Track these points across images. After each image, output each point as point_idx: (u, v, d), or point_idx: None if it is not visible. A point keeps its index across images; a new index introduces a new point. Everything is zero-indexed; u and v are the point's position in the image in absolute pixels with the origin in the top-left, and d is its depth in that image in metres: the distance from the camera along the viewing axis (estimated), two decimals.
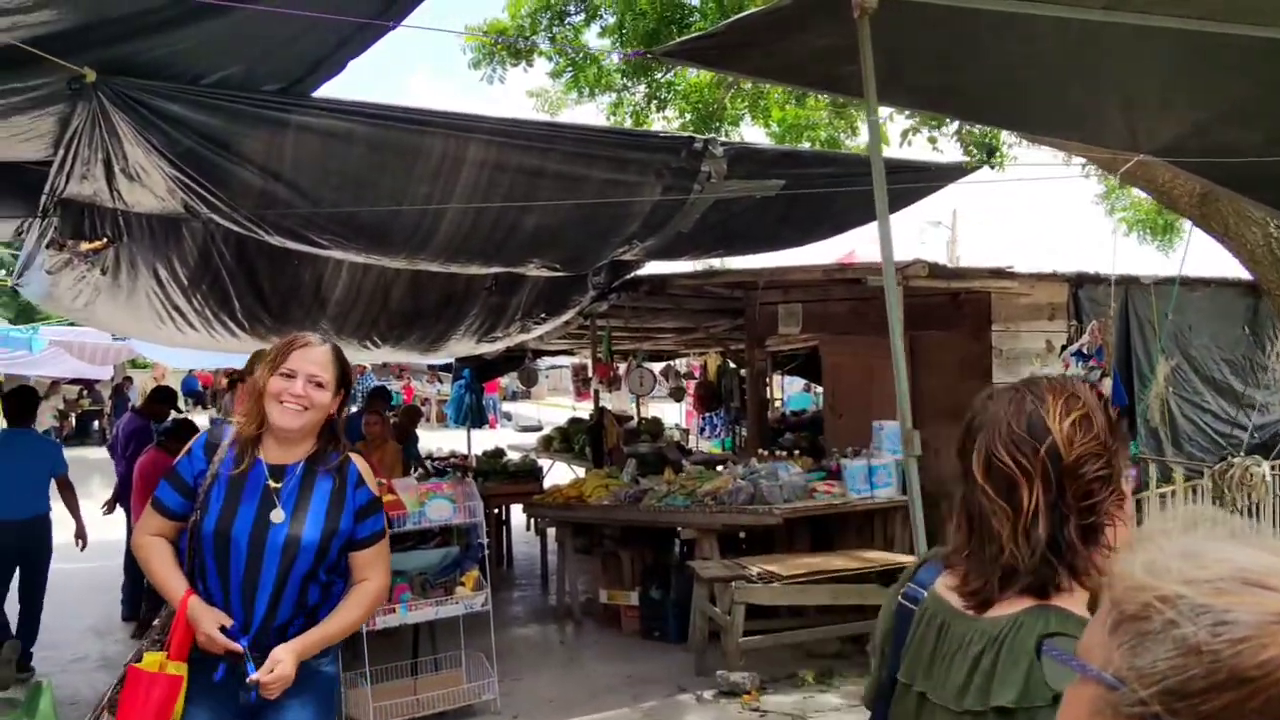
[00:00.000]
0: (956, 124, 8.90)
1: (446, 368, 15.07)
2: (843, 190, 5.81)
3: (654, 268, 8.69)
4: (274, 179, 4.64)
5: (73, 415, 21.86)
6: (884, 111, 6.32)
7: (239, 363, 17.48)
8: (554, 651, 6.66)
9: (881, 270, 3.71)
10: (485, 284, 7.32)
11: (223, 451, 2.82)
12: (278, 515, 2.71)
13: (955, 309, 6.93)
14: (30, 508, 6.72)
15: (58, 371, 18.11)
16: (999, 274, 6.70)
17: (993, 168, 7.45)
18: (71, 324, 18.04)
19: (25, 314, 20.02)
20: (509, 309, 7.83)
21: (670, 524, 6.51)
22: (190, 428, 7.52)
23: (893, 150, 8.65)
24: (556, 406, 24.95)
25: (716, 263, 8.71)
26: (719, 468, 8.63)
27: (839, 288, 7.69)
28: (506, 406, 27.44)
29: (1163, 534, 0.89)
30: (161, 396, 8.87)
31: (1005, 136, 8.65)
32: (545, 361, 14.13)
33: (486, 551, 5.52)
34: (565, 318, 8.49)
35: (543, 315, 8.13)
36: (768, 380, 9.36)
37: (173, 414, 8.99)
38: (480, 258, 5.77)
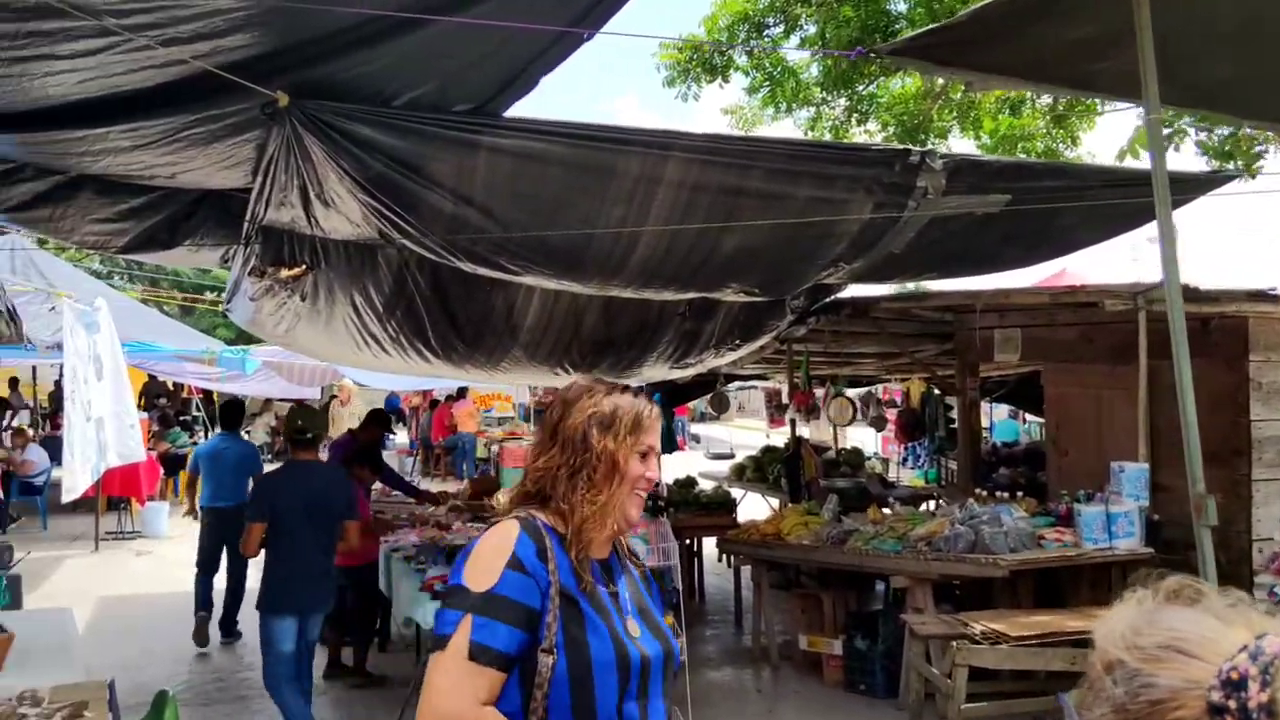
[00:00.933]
0: (1195, 131, 8.04)
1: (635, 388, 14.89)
2: (1072, 205, 5.21)
3: (855, 289, 8.18)
4: (465, 203, 4.46)
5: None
6: (1110, 120, 5.66)
7: (433, 385, 17.87)
8: (750, 701, 6.26)
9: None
10: (679, 310, 7.02)
11: (553, 555, 1.97)
12: (633, 628, 2.00)
13: (1205, 335, 6.15)
14: (237, 497, 8.08)
15: (269, 391, 18.98)
16: (1259, 296, 5.90)
17: (1252, 176, 6.63)
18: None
19: (246, 335, 21.12)
20: (703, 335, 7.50)
21: (878, 570, 6.01)
22: (372, 452, 7.43)
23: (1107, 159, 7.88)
24: (746, 429, 24.55)
25: (915, 285, 8.13)
26: (925, 504, 8.04)
27: (1064, 312, 7.00)
28: (695, 428, 27.25)
29: (1138, 601, 1.00)
30: (378, 419, 8.77)
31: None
32: (735, 383, 13.72)
33: (680, 597, 5.17)
34: (760, 343, 8.09)
35: (737, 341, 7.75)
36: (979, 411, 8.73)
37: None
38: (675, 283, 5.46)
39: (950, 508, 6.38)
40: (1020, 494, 6.74)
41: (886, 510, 7.47)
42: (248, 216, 5.67)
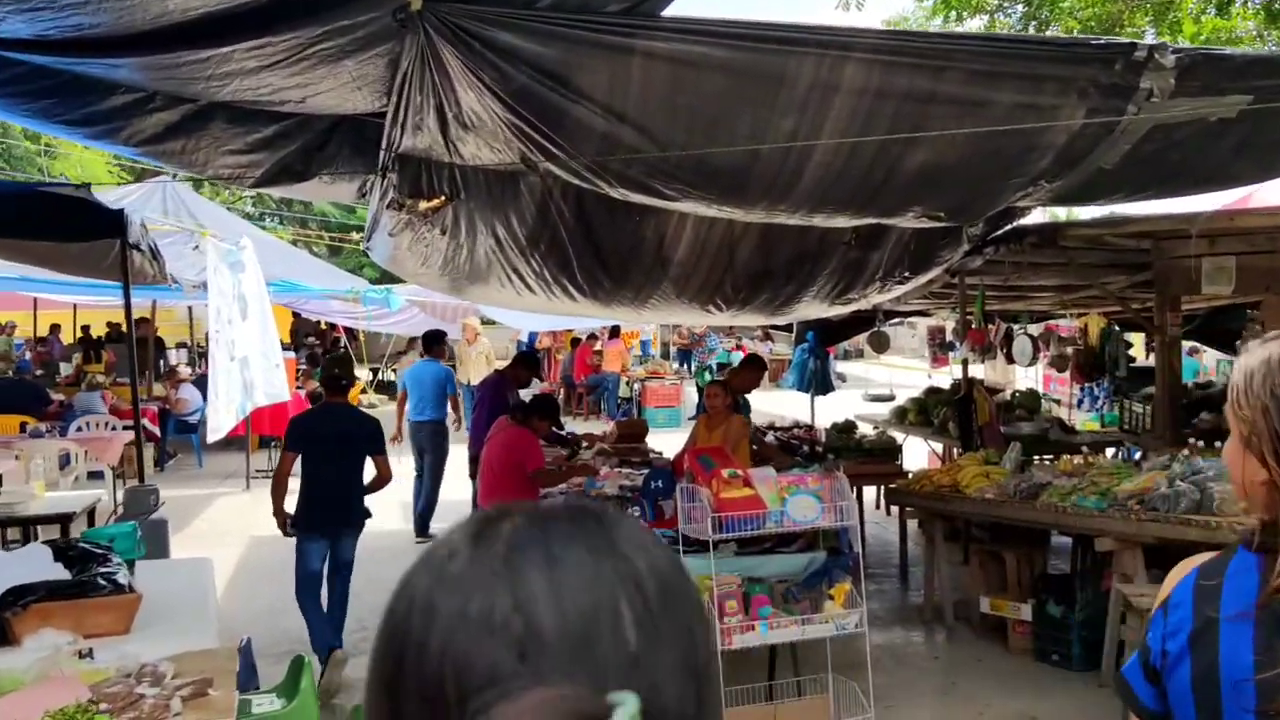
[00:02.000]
0: None
1: (783, 326, 14.30)
2: None
3: (1037, 215, 7.38)
4: (618, 119, 3.95)
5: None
6: None
7: (570, 325, 17.56)
8: (928, 671, 5.71)
9: None
10: (843, 239, 6.40)
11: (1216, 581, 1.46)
12: None
13: None
14: (434, 414, 9.64)
15: (416, 328, 19.04)
16: None
17: None
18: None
19: (390, 275, 21.25)
20: (868, 267, 6.87)
21: (1079, 530, 5.35)
22: (552, 405, 7.10)
23: None
24: (894, 367, 23.61)
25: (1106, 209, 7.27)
26: (1108, 453, 7.28)
27: None
28: (840, 366, 26.41)
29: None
30: (526, 361, 8.99)
31: None
32: (894, 319, 12.92)
33: (859, 562, 4.65)
34: (931, 275, 7.41)
35: (906, 274, 7.09)
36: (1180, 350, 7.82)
37: (535, 382, 8.92)
38: (851, 207, 4.85)
39: (1155, 459, 5.64)
40: None
41: (1075, 459, 6.75)
42: (383, 143, 5.32)
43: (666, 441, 10.42)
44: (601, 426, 14.56)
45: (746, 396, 8.35)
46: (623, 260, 6.30)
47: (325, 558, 6.10)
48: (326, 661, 5.88)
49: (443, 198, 5.65)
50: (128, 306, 6.74)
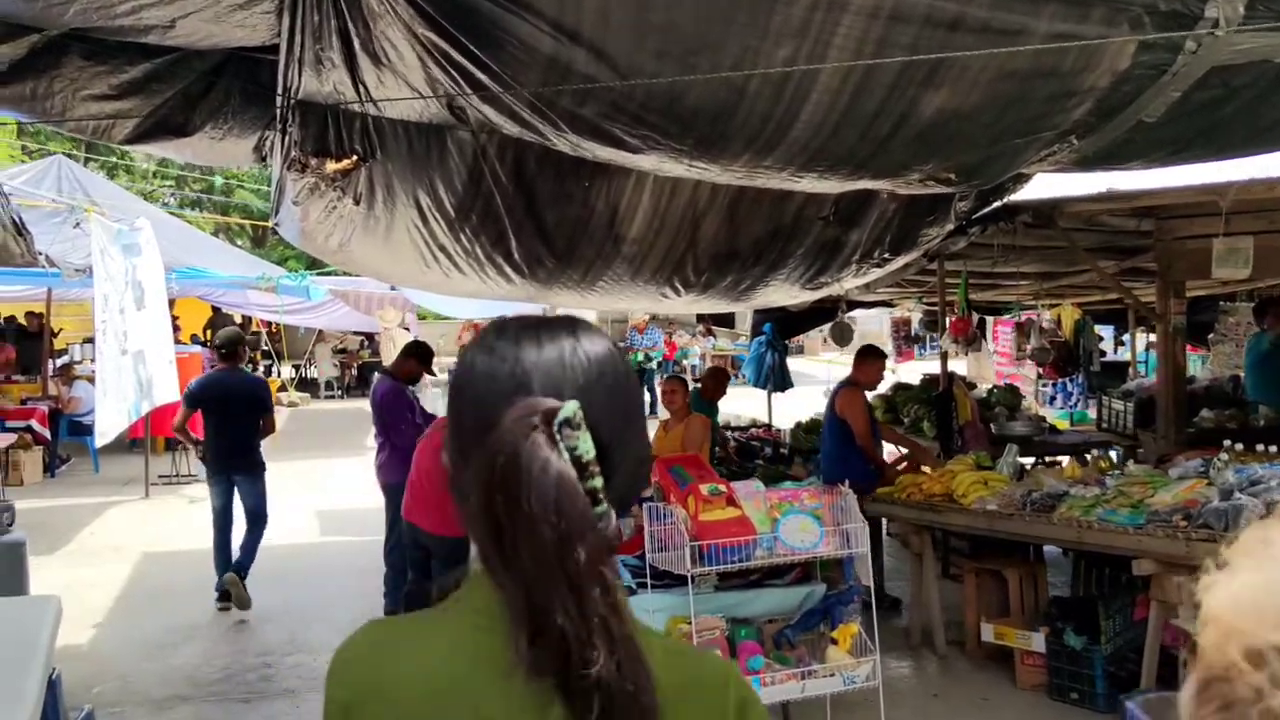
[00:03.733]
0: None
1: (724, 319, 13.49)
2: None
3: (1031, 191, 6.66)
4: (569, 39, 3.11)
5: (355, 366, 21.95)
6: None
7: (515, 310, 16.51)
8: (928, 709, 4.92)
9: None
10: (821, 214, 5.62)
11: None
12: None
13: None
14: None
15: (340, 323, 17.94)
16: None
17: None
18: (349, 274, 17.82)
19: (320, 265, 20.02)
20: (845, 247, 6.10)
21: (1112, 549, 4.61)
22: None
23: None
24: (835, 363, 22.97)
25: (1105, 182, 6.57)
26: (1092, 453, 6.59)
27: None
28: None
29: (1263, 544, 0.70)
30: (416, 352, 7.25)
31: None
32: (858, 310, 12.10)
33: (869, 598, 3.84)
34: (910, 258, 6.68)
35: (885, 255, 6.33)
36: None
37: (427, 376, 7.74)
38: (849, 164, 4.04)
39: (1185, 465, 4.93)
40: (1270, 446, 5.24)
41: (1070, 463, 6.04)
42: (279, 88, 4.40)
43: None
44: None
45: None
46: (569, 235, 5.43)
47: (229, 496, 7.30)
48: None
49: (354, 158, 4.76)
50: None
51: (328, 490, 10.58)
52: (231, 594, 6.80)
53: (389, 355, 13.13)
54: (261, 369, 19.22)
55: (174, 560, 8.13)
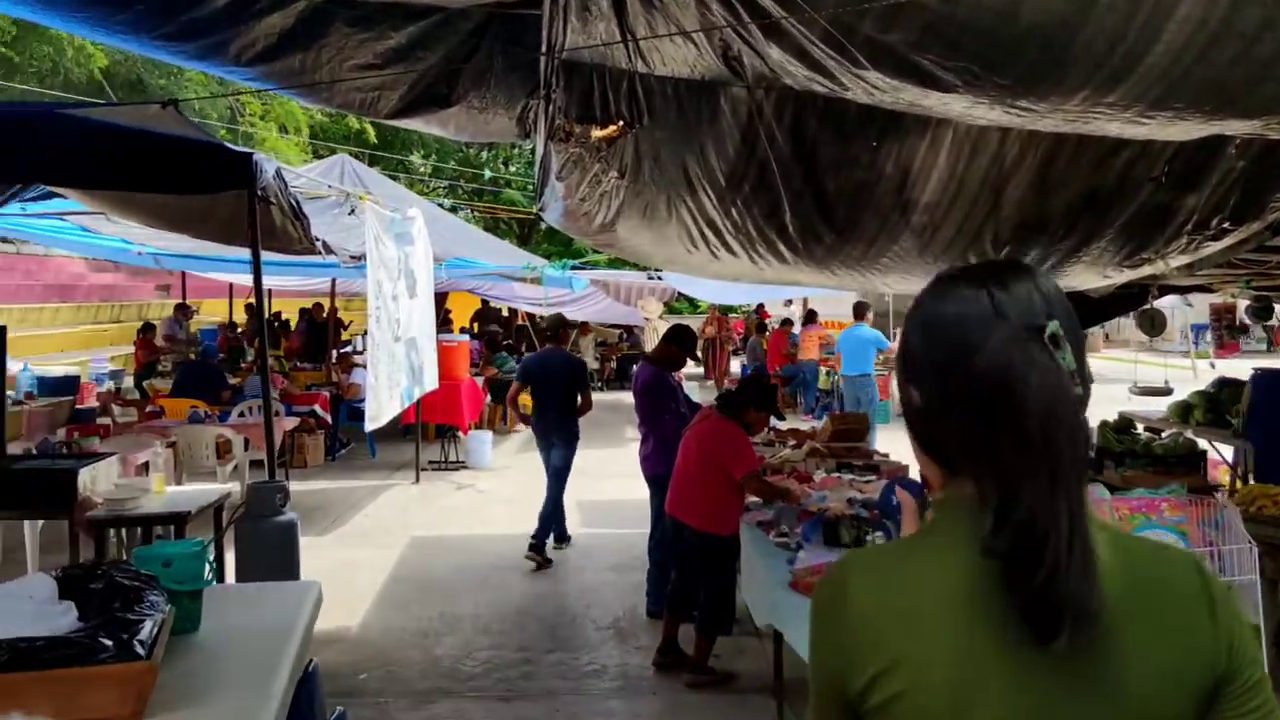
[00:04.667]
0: None
1: None
2: None
3: None
4: None
5: (614, 358, 22.11)
6: None
7: (773, 295, 15.98)
8: None
9: None
10: (1154, 173, 4.78)
11: None
12: None
13: None
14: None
15: (602, 314, 18.04)
16: None
17: None
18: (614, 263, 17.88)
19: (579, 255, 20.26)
20: (1177, 215, 5.20)
21: None
22: (770, 392, 5.75)
23: None
24: (1112, 359, 21.06)
25: None
26: None
27: None
28: None
29: None
30: (678, 338, 6.81)
31: None
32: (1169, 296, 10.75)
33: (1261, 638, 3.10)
34: (1253, 229, 5.65)
35: (1225, 224, 5.37)
36: None
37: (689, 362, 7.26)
38: (1212, 99, 3.28)
39: None
40: None
41: None
42: (543, 46, 4.10)
43: (889, 441, 8.90)
44: (799, 422, 13.10)
45: None
46: (851, 205, 4.87)
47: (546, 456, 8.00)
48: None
49: (620, 124, 4.42)
50: (256, 271, 5.78)
51: (589, 482, 10.46)
52: (537, 562, 7.48)
53: (651, 347, 12.96)
54: None
55: (439, 547, 8.16)
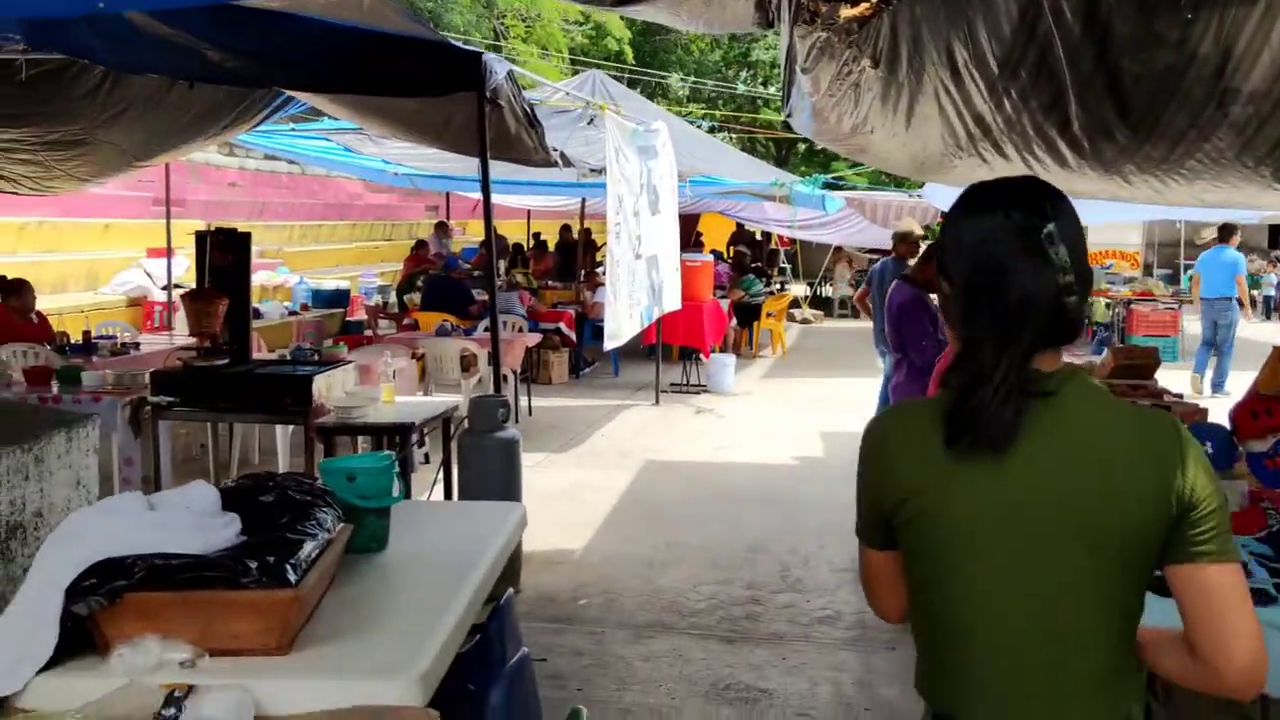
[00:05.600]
0: None
1: None
2: None
3: None
4: None
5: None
6: None
7: None
8: None
9: None
10: None
11: None
12: None
13: None
14: None
15: (855, 238, 17.20)
16: None
17: None
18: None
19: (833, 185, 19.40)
20: None
21: None
22: None
23: None
24: None
25: None
26: None
27: None
28: None
29: None
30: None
31: None
32: None
33: None
34: None
35: None
36: None
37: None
38: None
39: None
40: None
41: None
42: None
43: (1177, 379, 7.86)
44: (1071, 357, 11.96)
45: None
46: (1152, 95, 4.05)
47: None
48: None
49: (872, 1, 3.86)
50: (485, 179, 5.56)
51: (836, 411, 9.92)
52: None
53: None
54: (776, 285, 19.05)
55: (673, 473, 7.90)
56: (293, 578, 2.09)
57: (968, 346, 1.47)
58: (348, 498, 2.74)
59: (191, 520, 2.25)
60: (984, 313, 1.46)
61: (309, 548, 2.24)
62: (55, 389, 5.89)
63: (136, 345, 8.15)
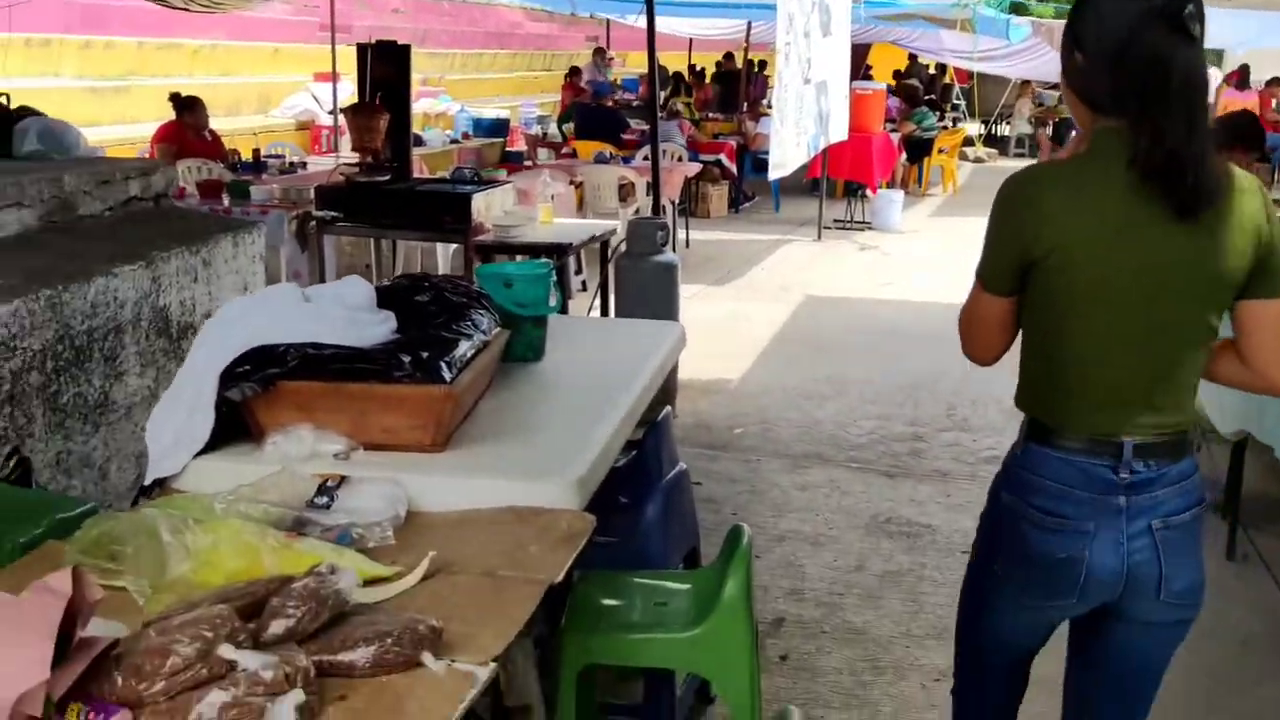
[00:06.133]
0: None
1: None
2: None
3: None
4: None
5: (1050, 121, 19.85)
6: None
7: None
8: None
9: None
10: None
11: None
12: None
13: None
14: None
15: (1034, 69, 16.01)
16: None
17: None
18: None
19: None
20: None
21: None
22: (1252, 129, 4.59)
23: None
24: None
25: None
26: None
27: None
28: None
29: None
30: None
31: None
32: None
33: None
34: None
35: None
36: None
37: None
38: None
39: None
40: None
41: None
42: None
43: None
44: None
45: None
46: None
47: None
48: None
49: None
50: None
51: None
52: None
53: None
54: (949, 120, 18.03)
55: (834, 307, 7.65)
56: (447, 375, 2.00)
57: (1154, 132, 1.54)
58: (504, 304, 2.65)
59: (345, 314, 2.17)
60: (1151, 96, 1.54)
61: (464, 347, 2.15)
62: (226, 202, 6.02)
63: (303, 165, 8.27)
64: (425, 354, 2.00)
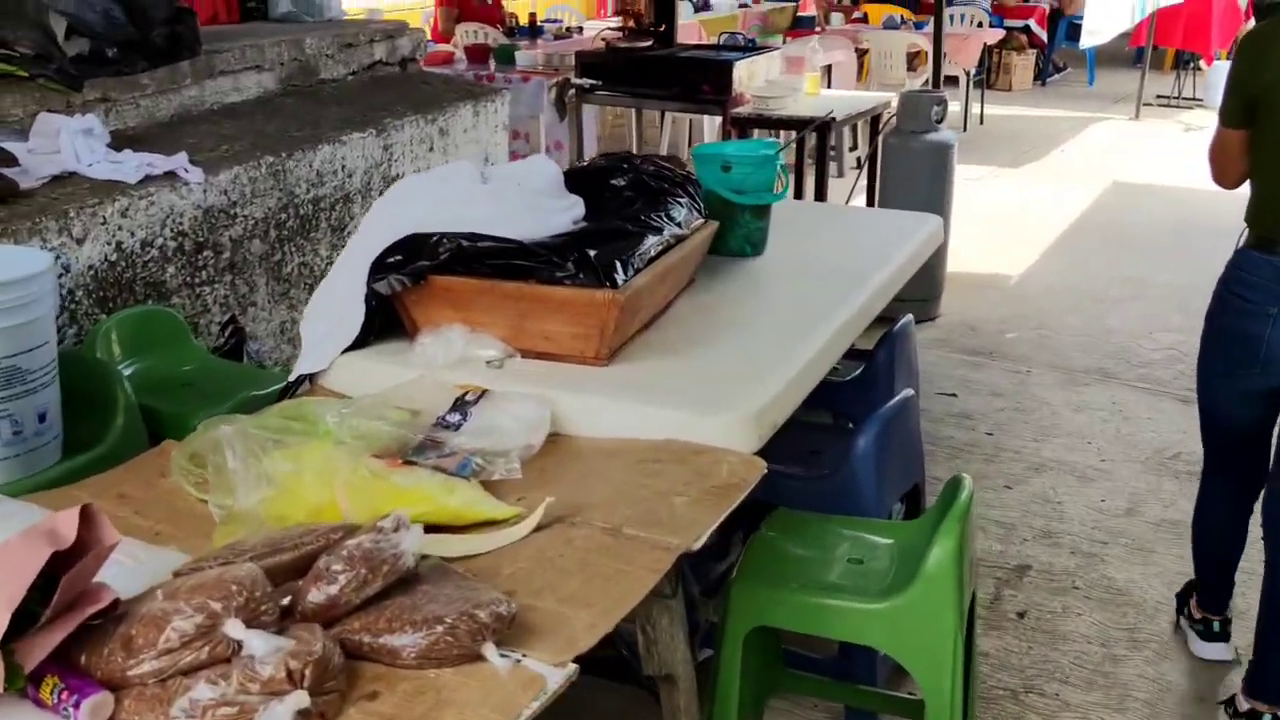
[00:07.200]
0: None
1: None
2: None
3: None
4: None
5: None
6: None
7: None
8: None
9: None
10: None
11: None
12: None
13: None
14: None
15: None
16: None
17: None
18: None
19: None
20: None
21: None
22: None
23: None
24: None
25: None
26: None
27: None
28: None
29: None
30: None
31: None
32: None
33: None
34: None
35: None
36: None
37: None
38: None
39: None
40: None
41: None
42: None
43: None
44: None
45: None
46: None
47: None
48: None
49: None
50: None
51: None
52: None
53: None
54: None
55: (1145, 196, 6.73)
56: (620, 277, 1.73)
57: None
58: (720, 190, 2.33)
59: (524, 199, 1.93)
60: None
61: (649, 243, 1.87)
62: (491, 66, 5.93)
63: (580, 29, 8.10)
64: (594, 252, 1.74)
